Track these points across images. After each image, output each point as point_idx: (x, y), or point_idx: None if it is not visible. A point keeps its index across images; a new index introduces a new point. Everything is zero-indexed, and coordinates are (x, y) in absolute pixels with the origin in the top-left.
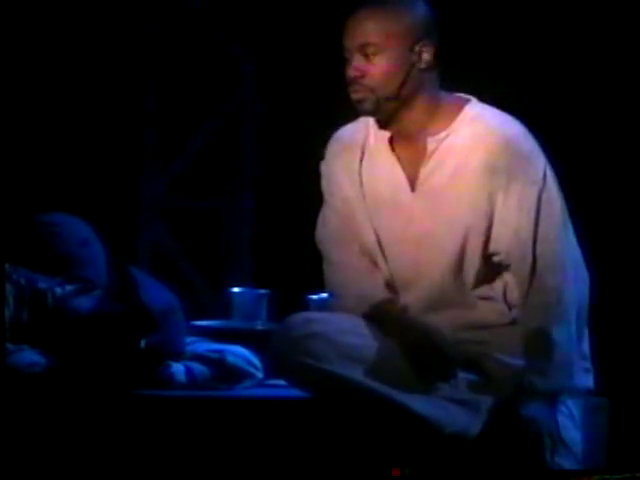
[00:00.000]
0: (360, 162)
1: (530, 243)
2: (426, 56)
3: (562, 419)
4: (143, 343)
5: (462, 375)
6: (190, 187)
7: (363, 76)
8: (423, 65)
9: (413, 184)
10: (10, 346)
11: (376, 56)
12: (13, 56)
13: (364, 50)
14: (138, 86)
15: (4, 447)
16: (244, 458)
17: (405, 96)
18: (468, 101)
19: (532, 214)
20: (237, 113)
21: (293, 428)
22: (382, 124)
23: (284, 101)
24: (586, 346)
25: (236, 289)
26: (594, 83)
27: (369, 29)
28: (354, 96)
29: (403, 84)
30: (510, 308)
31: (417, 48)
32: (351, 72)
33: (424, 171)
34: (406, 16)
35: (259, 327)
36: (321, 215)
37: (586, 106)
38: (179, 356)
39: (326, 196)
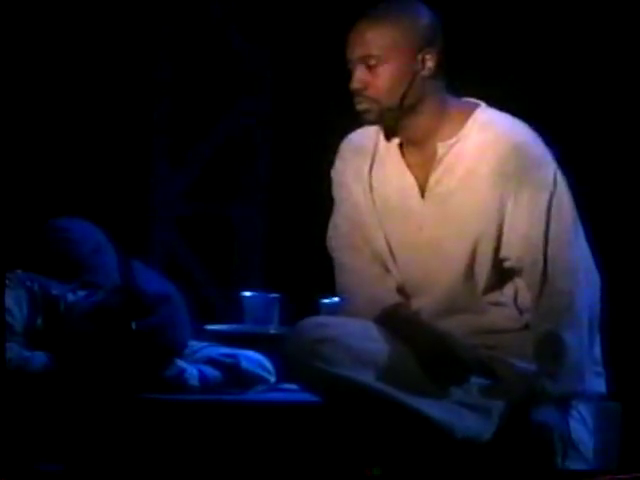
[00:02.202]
0: (370, 168)
1: (541, 248)
2: (430, 64)
3: (574, 424)
4: (134, 325)
5: (474, 380)
6: (202, 193)
7: (366, 88)
8: (427, 73)
9: (423, 190)
10: (25, 352)
11: (378, 67)
12: (24, 61)
13: (366, 62)
14: (151, 91)
15: (17, 450)
16: (256, 462)
17: (409, 105)
18: (477, 106)
19: (543, 219)
20: (250, 118)
21: (305, 432)
22: (389, 132)
23: (297, 105)
24: (598, 350)
25: (248, 293)
26: (604, 87)
27: (370, 41)
28: (358, 107)
29: (407, 93)
30: (521, 313)
31: (420, 56)
32: (354, 84)
33: (434, 177)
34: (408, 26)
35: (271, 331)
36: (332, 220)
37: (596, 110)
38: (182, 352)
39: (337, 201)
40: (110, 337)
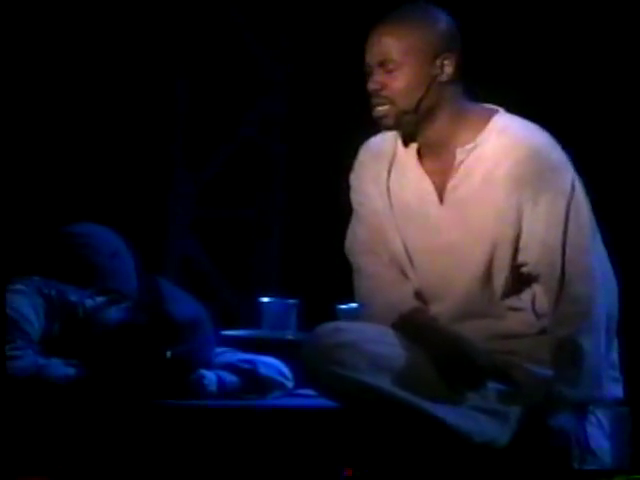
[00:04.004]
0: (388, 173)
1: (559, 253)
2: (448, 69)
3: (591, 429)
4: (169, 354)
5: (491, 385)
6: (219, 197)
7: (383, 88)
8: (445, 78)
9: (441, 195)
10: (40, 359)
11: (396, 71)
12: (41, 67)
13: (384, 66)
14: (168, 96)
15: (34, 458)
16: (274, 467)
17: (426, 109)
18: (496, 112)
19: (560, 224)
20: (267, 123)
21: (322, 437)
22: (407, 138)
23: (313, 110)
24: (615, 355)
25: (266, 299)
26: (624, 93)
27: (389, 46)
28: (375, 113)
29: (424, 98)
30: (538, 318)
31: (438, 62)
32: (371, 85)
33: (452, 182)
34: (426, 31)
35: (289, 337)
36: (350, 225)
37: (615, 117)
38: (207, 365)
39: (355, 206)
40: (142, 361)
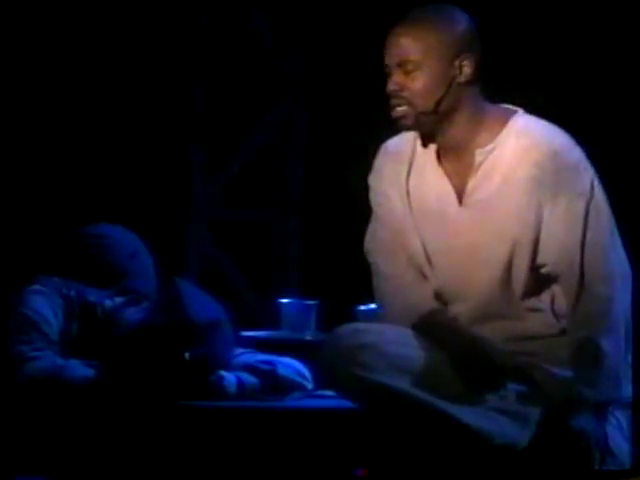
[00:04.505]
0: (407, 174)
1: (578, 254)
2: (467, 70)
3: (611, 430)
4: (187, 355)
5: (511, 386)
6: (239, 199)
7: (402, 90)
8: (464, 79)
9: (460, 197)
10: (59, 360)
11: (415, 72)
12: (64, 69)
13: (403, 67)
14: (187, 97)
15: (55, 459)
16: (293, 468)
17: (445, 110)
18: (515, 113)
19: (580, 225)
20: (285, 125)
21: (342, 439)
22: (426, 139)
23: (331, 113)
24: (630, 357)
25: (285, 300)
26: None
27: (408, 46)
28: (393, 113)
29: (443, 99)
30: (558, 319)
31: (457, 62)
32: (390, 86)
33: (471, 184)
34: (445, 31)
35: (308, 338)
36: (370, 226)
37: (636, 116)
38: (227, 366)
39: (374, 207)
40: (161, 363)
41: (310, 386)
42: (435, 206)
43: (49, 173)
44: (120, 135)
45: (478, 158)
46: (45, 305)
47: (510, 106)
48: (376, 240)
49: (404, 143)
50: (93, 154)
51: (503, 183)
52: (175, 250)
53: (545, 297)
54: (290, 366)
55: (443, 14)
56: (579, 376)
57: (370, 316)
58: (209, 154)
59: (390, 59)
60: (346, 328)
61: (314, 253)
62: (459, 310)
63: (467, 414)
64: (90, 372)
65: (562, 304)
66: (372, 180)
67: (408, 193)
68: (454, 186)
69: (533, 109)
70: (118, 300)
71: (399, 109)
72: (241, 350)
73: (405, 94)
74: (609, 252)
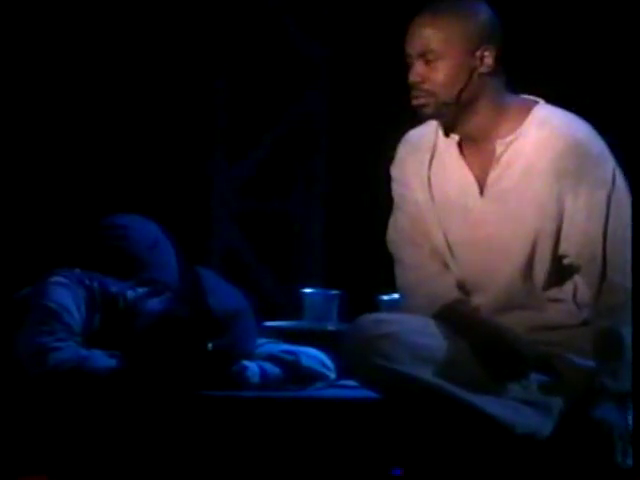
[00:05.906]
0: (429, 164)
1: (600, 244)
2: (488, 60)
3: (632, 421)
4: (210, 346)
5: (533, 376)
6: (261, 189)
7: (424, 81)
8: (485, 69)
9: (482, 187)
10: (82, 351)
11: (437, 62)
12: (87, 62)
13: (425, 57)
14: (209, 87)
15: (76, 449)
16: (316, 458)
17: (466, 100)
18: (536, 103)
19: (601, 215)
20: (308, 115)
21: (365, 429)
22: (446, 128)
23: (353, 102)
24: None
25: (307, 290)
26: None
27: (429, 36)
28: (415, 102)
29: (464, 89)
30: (580, 309)
31: (479, 53)
32: (412, 77)
33: (493, 174)
34: (467, 22)
35: (330, 328)
36: (392, 217)
37: None
38: (249, 356)
39: (396, 198)
40: (183, 354)
41: (333, 376)
42: (456, 197)
43: (71, 165)
44: (143, 126)
45: (499, 149)
46: (67, 297)
47: (531, 97)
48: (398, 230)
49: (426, 134)
50: (116, 145)
51: (524, 174)
52: (197, 241)
53: (567, 287)
54: (313, 356)
55: (465, 5)
56: (601, 366)
57: (393, 306)
58: (232, 145)
59: (412, 49)
60: (368, 318)
61: (336, 243)
62: (481, 301)
63: (489, 404)
64: (113, 363)
65: (584, 294)
66: (394, 170)
67: (430, 183)
68: (475, 176)
69: (555, 100)
70: (140, 291)
71: (421, 100)
72: (264, 340)
73: (426, 86)
74: (630, 243)
